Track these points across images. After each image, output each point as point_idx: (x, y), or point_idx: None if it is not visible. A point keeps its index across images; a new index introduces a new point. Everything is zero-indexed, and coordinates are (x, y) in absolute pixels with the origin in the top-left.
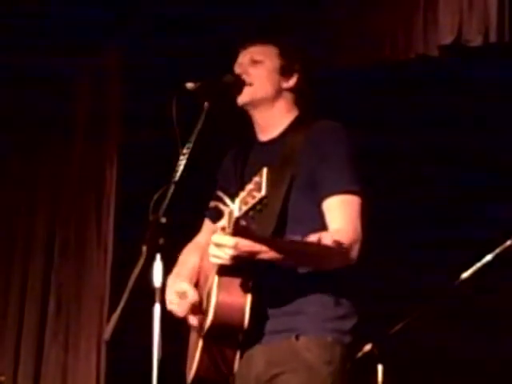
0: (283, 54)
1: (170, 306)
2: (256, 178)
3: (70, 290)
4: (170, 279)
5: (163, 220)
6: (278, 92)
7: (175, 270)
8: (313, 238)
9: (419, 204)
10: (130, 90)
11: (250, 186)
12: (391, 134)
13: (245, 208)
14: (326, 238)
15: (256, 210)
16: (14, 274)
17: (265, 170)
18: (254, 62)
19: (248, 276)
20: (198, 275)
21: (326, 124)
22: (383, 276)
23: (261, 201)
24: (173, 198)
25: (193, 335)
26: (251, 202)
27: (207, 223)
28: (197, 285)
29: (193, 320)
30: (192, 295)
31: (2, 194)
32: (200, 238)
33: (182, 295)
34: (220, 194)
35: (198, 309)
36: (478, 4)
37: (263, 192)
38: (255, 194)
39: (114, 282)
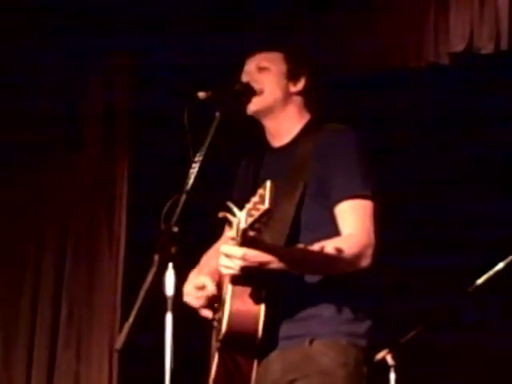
0: (289, 59)
1: (185, 298)
2: (260, 191)
3: (82, 299)
4: (192, 274)
5: (175, 229)
6: (287, 97)
7: (197, 268)
8: (315, 247)
9: (431, 207)
10: (141, 90)
11: (254, 199)
12: (401, 137)
13: (250, 220)
14: (329, 247)
15: (261, 223)
16: (25, 283)
17: (268, 183)
18: (261, 69)
19: (261, 284)
20: (219, 276)
21: (335, 128)
22: (398, 279)
23: (265, 213)
24: (185, 206)
25: (213, 348)
26: (256, 214)
27: (227, 229)
28: (218, 285)
29: (206, 312)
30: (210, 288)
31: (11, 200)
32: (218, 245)
33: (201, 288)
34: (229, 203)
35: (214, 303)
36: (489, 11)
37: (266, 205)
38: (259, 206)
39: (125, 290)
